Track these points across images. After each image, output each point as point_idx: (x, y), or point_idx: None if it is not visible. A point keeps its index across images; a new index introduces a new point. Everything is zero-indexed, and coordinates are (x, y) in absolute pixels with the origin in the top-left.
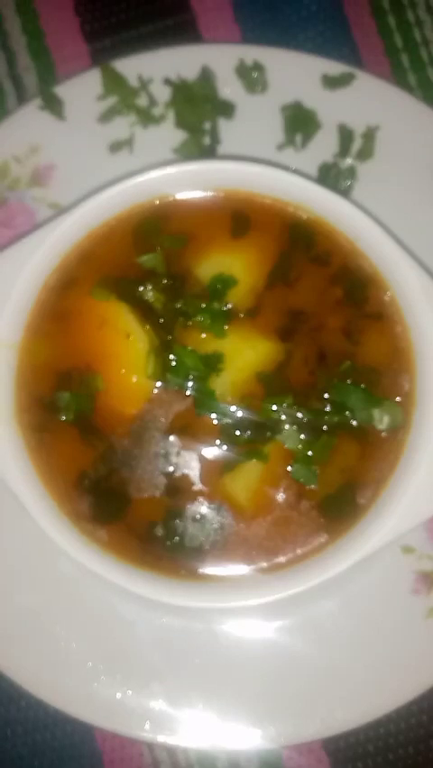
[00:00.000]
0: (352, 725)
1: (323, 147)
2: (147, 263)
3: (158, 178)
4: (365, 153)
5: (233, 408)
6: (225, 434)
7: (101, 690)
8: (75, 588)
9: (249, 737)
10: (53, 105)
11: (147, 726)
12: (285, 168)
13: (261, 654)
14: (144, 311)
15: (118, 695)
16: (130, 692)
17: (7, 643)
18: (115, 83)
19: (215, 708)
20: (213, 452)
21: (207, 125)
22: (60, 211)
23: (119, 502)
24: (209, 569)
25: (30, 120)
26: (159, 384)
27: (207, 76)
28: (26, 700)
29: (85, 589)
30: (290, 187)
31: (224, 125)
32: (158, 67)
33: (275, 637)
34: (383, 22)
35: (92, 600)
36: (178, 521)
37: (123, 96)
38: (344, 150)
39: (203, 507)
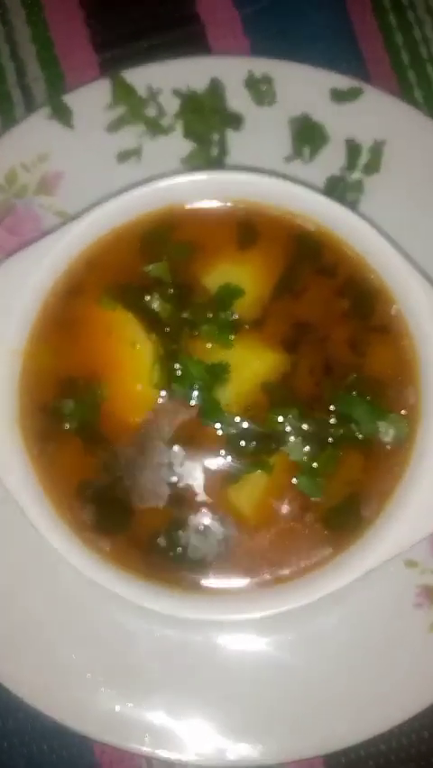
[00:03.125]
0: (353, 741)
1: (330, 160)
2: (154, 272)
3: (166, 187)
4: (372, 167)
5: (237, 419)
6: (229, 444)
7: (100, 702)
8: (75, 599)
9: (249, 752)
10: (62, 114)
11: (146, 740)
12: (293, 179)
13: (262, 668)
14: (150, 320)
15: (117, 707)
16: (129, 705)
17: (6, 653)
18: (124, 93)
19: (214, 721)
20: (217, 462)
21: (216, 136)
22: (68, 219)
23: (122, 512)
24: (212, 581)
25: (38, 128)
26: (164, 393)
27: (216, 87)
28: (24, 712)
29: (85, 600)
30: (298, 198)
31: (232, 137)
32: (167, 77)
33: (276, 651)
34: (390, 38)
35: (92, 611)
36: (181, 532)
37: (132, 105)
38: (351, 163)
39: (207, 519)
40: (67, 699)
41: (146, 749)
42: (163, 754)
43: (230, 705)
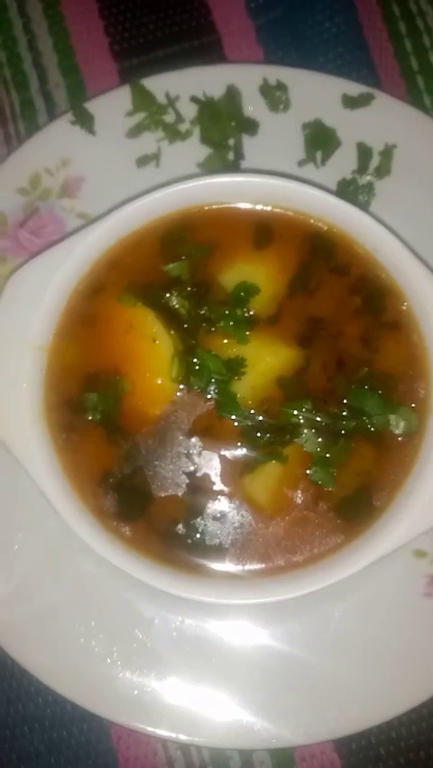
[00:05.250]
0: (364, 725)
1: (342, 164)
2: (173, 271)
3: (185, 190)
4: (383, 170)
5: (253, 411)
6: (245, 436)
7: (119, 686)
8: (95, 585)
9: (263, 737)
10: (84, 120)
11: (163, 723)
12: (307, 182)
13: (275, 655)
14: (170, 317)
15: (136, 692)
16: (147, 689)
17: (28, 639)
18: (143, 100)
19: (229, 706)
20: (233, 453)
21: (231, 142)
22: (89, 221)
23: (142, 500)
24: (228, 566)
25: (61, 134)
26: (182, 387)
27: (231, 94)
28: (44, 698)
29: (105, 587)
30: (312, 200)
31: (247, 142)
32: (185, 85)
33: (289, 639)
34: (400, 45)
35: (112, 598)
36: (198, 519)
37: (151, 112)
38: (362, 167)
39: (223, 507)
40: (87, 683)
41: (163, 732)
42: (180, 736)
43: (245, 690)
